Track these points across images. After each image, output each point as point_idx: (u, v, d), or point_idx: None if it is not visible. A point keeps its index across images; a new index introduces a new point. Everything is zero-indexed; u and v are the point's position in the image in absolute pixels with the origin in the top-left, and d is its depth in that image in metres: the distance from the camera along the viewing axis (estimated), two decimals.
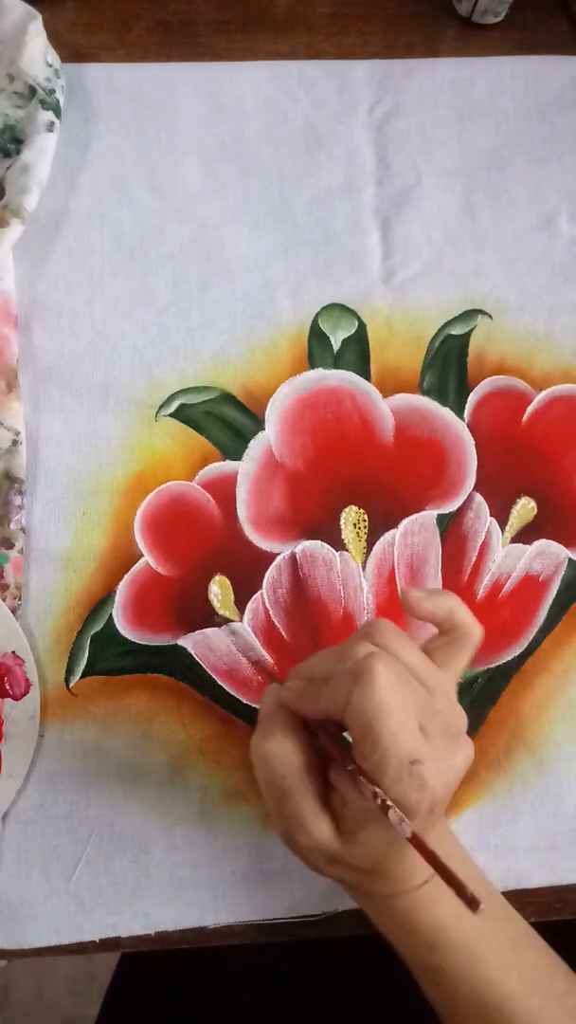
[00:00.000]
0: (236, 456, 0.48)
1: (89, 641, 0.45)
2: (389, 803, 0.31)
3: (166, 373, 0.49)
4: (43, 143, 0.49)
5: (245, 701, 0.44)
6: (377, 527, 0.47)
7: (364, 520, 0.47)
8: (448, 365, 0.50)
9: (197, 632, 0.45)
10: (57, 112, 0.50)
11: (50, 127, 0.49)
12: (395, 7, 0.57)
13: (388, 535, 0.47)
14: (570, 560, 0.48)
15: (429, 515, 0.48)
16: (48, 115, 0.49)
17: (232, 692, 0.45)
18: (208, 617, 0.45)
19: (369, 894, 0.37)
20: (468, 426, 0.49)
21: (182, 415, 0.48)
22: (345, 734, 0.35)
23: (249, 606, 0.46)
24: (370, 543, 0.47)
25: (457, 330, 0.51)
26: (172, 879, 0.42)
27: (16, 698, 0.43)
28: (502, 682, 0.46)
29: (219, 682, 0.45)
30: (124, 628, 0.45)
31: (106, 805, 0.43)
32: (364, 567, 0.47)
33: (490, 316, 0.51)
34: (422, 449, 0.48)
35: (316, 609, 0.46)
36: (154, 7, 0.56)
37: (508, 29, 0.57)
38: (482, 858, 0.43)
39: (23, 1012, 1.01)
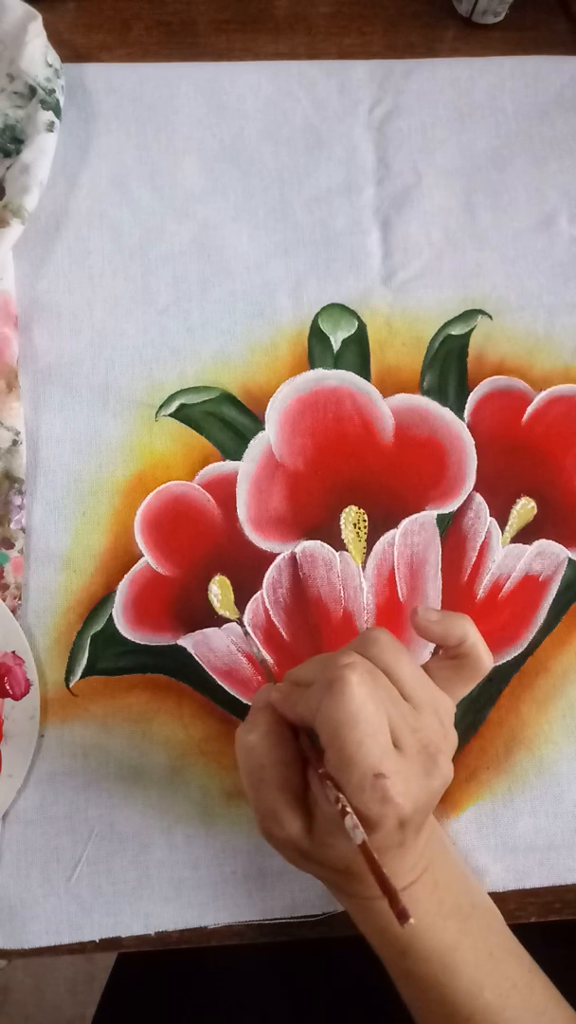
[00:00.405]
0: (236, 456, 0.48)
1: (89, 641, 0.45)
2: (348, 809, 0.31)
3: (166, 373, 0.49)
4: (43, 143, 0.49)
5: (245, 701, 0.44)
6: (377, 527, 0.47)
7: (364, 520, 0.47)
8: (448, 365, 0.50)
9: (197, 632, 0.45)
10: (57, 112, 0.50)
11: (50, 127, 0.49)
12: (395, 7, 0.57)
13: (388, 535, 0.47)
14: (570, 560, 0.48)
15: (429, 515, 0.48)
16: (48, 115, 0.49)
17: (232, 692, 0.45)
18: (208, 617, 0.45)
19: (347, 893, 0.37)
20: (468, 426, 0.49)
21: (182, 415, 0.48)
22: None
23: (249, 606, 0.46)
24: (370, 543, 0.47)
25: (457, 330, 0.51)
26: (172, 879, 0.42)
27: (16, 698, 0.43)
28: (502, 682, 0.46)
29: (219, 682, 0.45)
30: (124, 628, 0.45)
31: (106, 805, 0.43)
32: (364, 567, 0.47)
33: (490, 316, 0.51)
34: (422, 449, 0.48)
35: (316, 609, 0.46)
36: (154, 7, 0.56)
37: (508, 29, 0.57)
38: (482, 858, 0.43)
39: (23, 1012, 1.01)
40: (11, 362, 0.47)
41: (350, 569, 0.46)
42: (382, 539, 0.47)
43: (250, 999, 0.51)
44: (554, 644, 0.47)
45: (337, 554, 0.47)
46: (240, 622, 0.45)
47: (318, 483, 0.48)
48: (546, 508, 0.48)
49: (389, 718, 0.33)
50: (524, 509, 0.48)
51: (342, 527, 0.47)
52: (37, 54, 0.50)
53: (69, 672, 0.44)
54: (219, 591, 0.46)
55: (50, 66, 0.50)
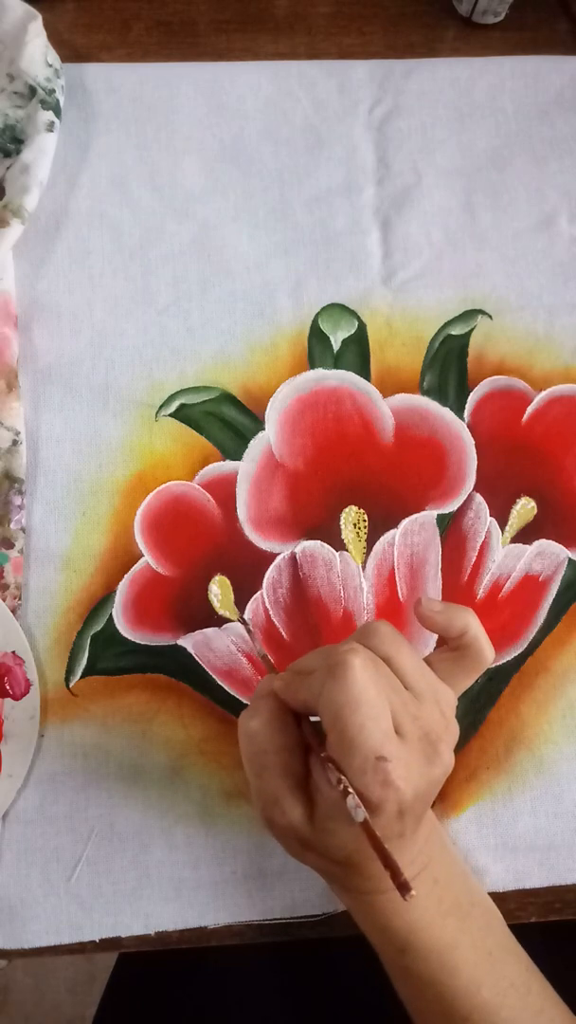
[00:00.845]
0: (236, 456, 0.48)
1: (89, 641, 0.45)
2: (349, 789, 0.32)
3: (166, 373, 0.49)
4: (43, 143, 0.49)
5: (245, 701, 0.44)
6: (377, 527, 0.47)
7: (364, 520, 0.47)
8: (448, 365, 0.50)
9: (197, 632, 0.45)
10: (57, 112, 0.50)
11: (50, 127, 0.49)
12: (395, 7, 0.57)
13: (388, 535, 0.47)
14: (570, 560, 0.48)
15: (429, 515, 0.48)
16: (48, 115, 0.49)
17: (232, 692, 0.45)
18: (208, 617, 0.45)
19: (347, 889, 0.37)
20: (468, 426, 0.49)
21: (182, 415, 0.48)
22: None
23: (249, 606, 0.46)
24: (370, 543, 0.47)
25: (457, 330, 0.51)
26: (172, 879, 0.42)
27: (16, 698, 0.43)
28: (502, 682, 0.46)
29: (219, 682, 0.45)
30: (124, 628, 0.45)
31: (106, 805, 0.43)
32: (364, 567, 0.47)
33: (490, 316, 0.51)
34: (422, 449, 0.48)
35: (316, 609, 0.46)
36: (154, 7, 0.56)
37: (508, 29, 0.57)
38: (482, 858, 0.43)
39: (23, 1012, 1.01)
40: (11, 362, 0.47)
41: (350, 569, 0.46)
42: (382, 539, 0.47)
43: (250, 999, 0.51)
44: (554, 644, 0.47)
45: (337, 554, 0.47)
46: (243, 620, 0.45)
47: (318, 483, 0.48)
48: (546, 508, 0.48)
49: (391, 705, 0.33)
50: (524, 509, 0.48)
51: (342, 527, 0.47)
52: (37, 54, 0.50)
53: (69, 672, 0.44)
54: (219, 591, 0.46)
55: (50, 66, 0.50)
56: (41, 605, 0.45)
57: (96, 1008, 0.57)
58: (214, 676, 0.45)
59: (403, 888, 0.30)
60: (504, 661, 0.46)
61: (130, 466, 0.47)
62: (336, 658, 0.33)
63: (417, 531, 0.47)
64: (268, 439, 0.48)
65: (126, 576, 0.45)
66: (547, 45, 0.57)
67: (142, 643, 0.45)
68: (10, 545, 0.45)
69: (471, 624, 0.37)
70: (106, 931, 0.42)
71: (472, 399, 0.49)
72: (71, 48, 0.54)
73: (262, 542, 0.46)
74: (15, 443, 0.46)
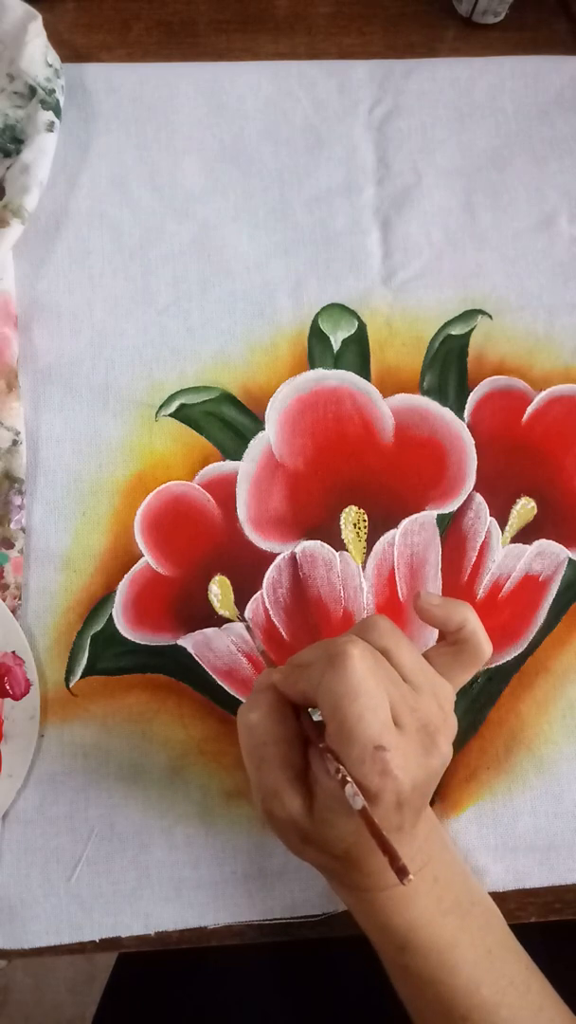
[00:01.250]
0: (236, 456, 0.48)
1: (89, 641, 0.45)
2: (348, 778, 0.32)
3: (166, 373, 0.49)
4: (43, 143, 0.49)
5: (245, 700, 0.44)
6: (377, 527, 0.47)
7: (364, 520, 0.47)
8: (448, 365, 0.50)
9: (197, 632, 0.45)
10: (57, 112, 0.50)
11: (50, 127, 0.49)
12: (395, 7, 0.57)
13: (388, 535, 0.47)
14: (570, 560, 0.48)
15: (429, 515, 0.48)
16: (48, 115, 0.49)
17: (232, 692, 0.45)
18: (208, 617, 0.45)
19: (347, 886, 0.37)
20: (468, 426, 0.49)
21: (182, 415, 0.48)
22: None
23: (249, 606, 0.46)
24: (370, 543, 0.47)
25: (457, 330, 0.51)
26: (172, 879, 0.42)
27: (16, 698, 0.43)
28: (502, 682, 0.46)
29: (219, 682, 0.45)
30: (124, 628, 0.45)
31: (106, 805, 0.43)
32: (364, 567, 0.47)
33: (490, 316, 0.51)
34: (422, 449, 0.48)
35: (316, 609, 0.46)
36: (154, 7, 0.56)
37: (508, 29, 0.57)
38: (482, 858, 0.43)
39: (23, 1012, 1.01)
40: (11, 362, 0.47)
41: (350, 569, 0.47)
42: (382, 539, 0.47)
43: (250, 999, 0.51)
44: (554, 644, 0.47)
45: (337, 554, 0.47)
46: (242, 617, 0.45)
47: (318, 483, 0.48)
48: (546, 508, 0.48)
49: (389, 696, 0.33)
50: (524, 509, 0.48)
51: (342, 527, 0.47)
52: (37, 54, 0.50)
53: (69, 672, 0.44)
54: (219, 591, 0.46)
55: (50, 66, 0.50)
56: (41, 605, 0.45)
57: (96, 1008, 0.57)
58: (214, 676, 0.45)
59: (401, 872, 0.30)
60: (504, 661, 0.46)
61: (130, 466, 0.47)
62: (335, 649, 0.33)
63: (417, 531, 0.47)
64: (268, 439, 0.48)
65: (126, 576, 0.45)
66: (547, 45, 0.57)
67: (142, 643, 0.45)
68: (10, 545, 0.45)
69: (469, 618, 0.38)
70: (106, 931, 0.42)
71: (472, 399, 0.49)
72: (71, 48, 0.54)
73: (262, 542, 0.46)
74: (15, 443, 0.46)
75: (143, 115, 0.53)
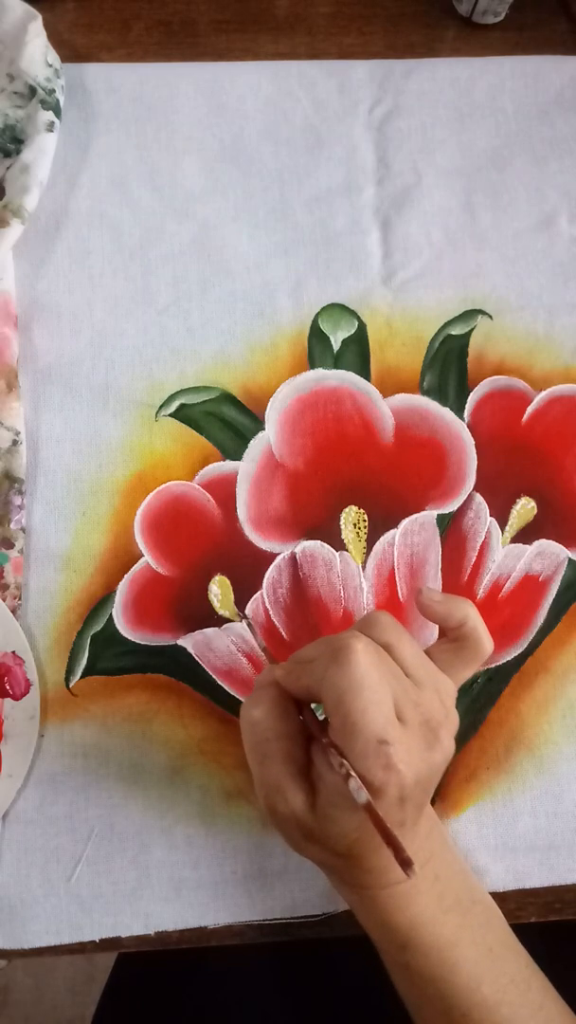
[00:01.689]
0: (236, 456, 0.48)
1: (89, 641, 0.45)
2: (352, 773, 0.32)
3: (166, 373, 0.49)
4: (43, 143, 0.49)
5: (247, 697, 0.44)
6: (377, 527, 0.47)
7: (364, 520, 0.47)
8: (448, 365, 0.50)
9: (197, 632, 0.45)
10: (57, 112, 0.50)
11: (50, 127, 0.49)
12: (395, 7, 0.57)
13: (388, 535, 0.47)
14: (570, 560, 0.48)
15: (429, 515, 0.48)
16: (48, 115, 0.49)
17: (232, 692, 0.45)
18: (208, 617, 0.45)
19: (349, 883, 0.37)
20: (468, 426, 0.49)
21: (182, 415, 0.48)
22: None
23: (249, 606, 0.46)
24: (370, 543, 0.47)
25: (457, 330, 0.51)
26: (172, 879, 0.42)
27: (16, 698, 0.43)
28: (502, 682, 0.46)
29: (219, 682, 0.45)
30: (124, 628, 0.45)
31: (106, 805, 0.43)
32: (364, 567, 0.47)
33: (490, 316, 0.51)
34: (422, 449, 0.48)
35: (316, 609, 0.46)
36: (154, 7, 0.56)
37: (508, 29, 0.57)
38: (482, 858, 0.43)
39: (23, 1012, 1.01)
40: (11, 362, 0.47)
41: (350, 569, 0.47)
42: (382, 539, 0.47)
43: (250, 999, 0.51)
44: (554, 644, 0.47)
45: (337, 554, 0.47)
46: (242, 615, 0.45)
47: (318, 483, 0.48)
48: (546, 508, 0.48)
49: (392, 691, 0.33)
50: (524, 509, 0.48)
51: (342, 527, 0.47)
52: (37, 54, 0.50)
53: (69, 672, 0.44)
54: (219, 591, 0.46)
55: (50, 66, 0.50)
56: (41, 605, 0.45)
57: (96, 1008, 0.57)
58: (214, 676, 0.45)
59: (405, 864, 0.30)
60: (504, 661, 0.46)
61: (130, 466, 0.47)
62: (338, 644, 0.34)
63: (417, 531, 0.47)
64: (268, 439, 0.48)
65: (126, 576, 0.45)
66: (547, 45, 0.57)
67: (142, 643, 0.45)
68: (10, 545, 0.45)
69: (470, 615, 0.38)
70: (106, 931, 0.42)
71: (472, 399, 0.49)
72: (71, 48, 0.54)
73: (262, 542, 0.46)
74: (15, 443, 0.46)
75: (143, 115, 0.53)
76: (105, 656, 0.45)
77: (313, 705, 0.37)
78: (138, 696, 0.44)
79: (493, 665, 0.46)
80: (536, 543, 0.48)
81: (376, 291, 0.51)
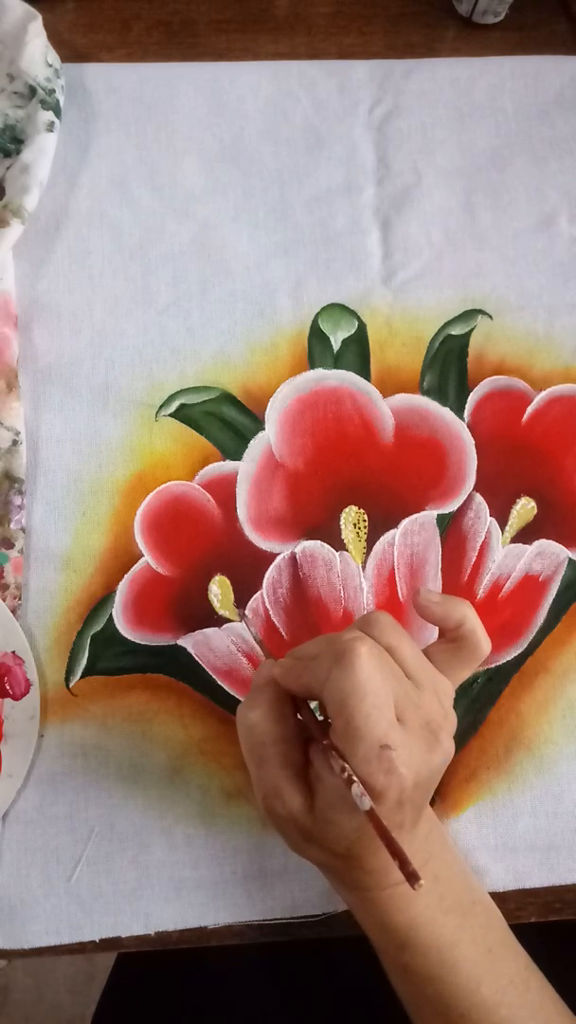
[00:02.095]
0: (236, 456, 0.48)
1: (89, 641, 0.45)
2: (354, 778, 0.32)
3: (166, 373, 0.49)
4: (43, 143, 0.49)
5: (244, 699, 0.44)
6: (377, 527, 0.47)
7: (364, 520, 0.47)
8: (448, 365, 0.50)
9: (197, 632, 0.45)
10: (57, 112, 0.50)
11: (50, 127, 0.49)
12: (395, 7, 0.57)
13: (388, 535, 0.47)
14: (570, 560, 0.48)
15: (429, 515, 0.48)
16: (48, 115, 0.49)
17: (232, 692, 0.45)
18: (208, 617, 0.45)
19: (348, 884, 0.37)
20: (468, 426, 0.49)
21: (182, 415, 0.48)
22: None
23: (249, 606, 0.46)
24: (370, 543, 0.47)
25: (457, 330, 0.51)
26: (172, 879, 0.42)
27: (16, 698, 0.43)
28: (502, 682, 0.46)
29: (219, 682, 0.45)
30: (124, 628, 0.45)
31: (106, 805, 0.43)
32: (364, 567, 0.47)
33: (490, 316, 0.51)
34: (422, 449, 0.48)
35: (316, 609, 0.46)
36: (154, 7, 0.56)
37: (508, 29, 0.57)
38: (482, 858, 0.43)
39: (23, 1012, 1.01)
40: (11, 362, 0.47)
41: (350, 569, 0.47)
42: (382, 539, 0.47)
43: (250, 999, 0.51)
44: (554, 644, 0.47)
45: (337, 554, 0.47)
46: (241, 613, 0.45)
47: (318, 483, 0.48)
48: (546, 508, 0.48)
49: (393, 693, 0.33)
50: (524, 509, 0.48)
51: (342, 527, 0.47)
52: (37, 54, 0.50)
53: (69, 672, 0.44)
54: (219, 591, 0.46)
55: (50, 66, 0.50)
56: (41, 605, 0.45)
57: (96, 1008, 0.57)
58: (214, 676, 0.45)
59: (412, 878, 0.30)
60: (504, 661, 0.46)
61: (130, 466, 0.47)
62: (342, 646, 0.33)
63: (417, 531, 0.47)
64: (268, 439, 0.48)
65: (126, 576, 0.45)
66: (547, 45, 0.57)
67: (142, 643, 0.45)
68: (10, 545, 0.45)
69: (468, 616, 0.38)
70: (106, 931, 0.42)
71: (472, 399, 0.49)
72: (71, 48, 0.54)
73: (262, 542, 0.46)
74: (15, 443, 0.46)
75: (143, 115, 0.53)
76: (105, 656, 0.45)
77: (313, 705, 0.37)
78: (138, 696, 0.44)
79: (493, 665, 0.46)
80: (536, 543, 0.48)
81: (376, 291, 0.51)
